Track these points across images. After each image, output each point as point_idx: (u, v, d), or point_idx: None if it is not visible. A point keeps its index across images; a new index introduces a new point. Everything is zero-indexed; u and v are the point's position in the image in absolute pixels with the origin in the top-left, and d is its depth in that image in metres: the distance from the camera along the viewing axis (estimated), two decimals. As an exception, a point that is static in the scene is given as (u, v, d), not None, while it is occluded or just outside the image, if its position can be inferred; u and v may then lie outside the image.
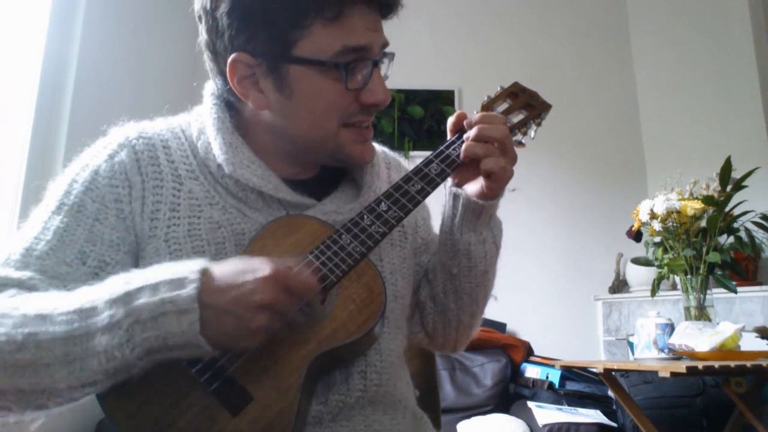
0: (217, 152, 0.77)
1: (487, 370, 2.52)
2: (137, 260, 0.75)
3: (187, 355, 0.61)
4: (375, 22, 0.75)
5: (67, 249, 0.71)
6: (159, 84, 2.83)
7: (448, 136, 0.82)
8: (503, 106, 0.86)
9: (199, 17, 0.77)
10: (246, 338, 0.61)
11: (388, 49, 0.78)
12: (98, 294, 0.62)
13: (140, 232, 0.74)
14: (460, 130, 0.81)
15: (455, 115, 0.82)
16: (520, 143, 0.85)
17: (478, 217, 0.81)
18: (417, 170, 0.79)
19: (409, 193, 0.77)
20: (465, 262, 0.83)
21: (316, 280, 0.66)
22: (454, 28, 3.45)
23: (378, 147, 0.92)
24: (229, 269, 0.63)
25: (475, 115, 0.81)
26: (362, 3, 0.73)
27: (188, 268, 0.62)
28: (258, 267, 0.62)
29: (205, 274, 0.62)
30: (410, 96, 3.29)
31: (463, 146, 0.78)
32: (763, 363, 1.49)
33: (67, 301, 0.63)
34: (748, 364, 1.49)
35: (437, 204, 0.88)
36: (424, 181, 0.77)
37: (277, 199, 0.78)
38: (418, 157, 3.19)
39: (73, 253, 0.71)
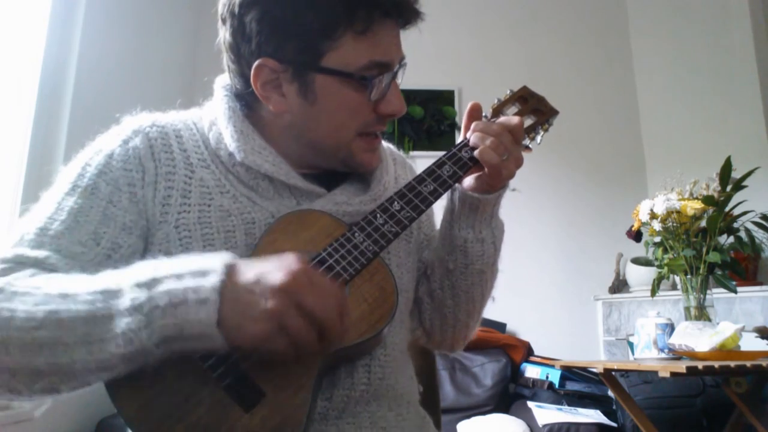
0: (229, 140, 0.78)
1: (487, 370, 2.52)
2: (147, 245, 0.75)
3: (201, 347, 0.60)
4: (397, 36, 0.78)
5: (82, 229, 0.72)
6: (159, 83, 2.83)
7: (462, 132, 0.83)
8: (512, 110, 0.86)
9: (224, 19, 0.78)
10: (256, 321, 0.59)
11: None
12: (125, 277, 0.62)
13: (151, 217, 0.75)
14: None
15: (470, 105, 0.83)
16: (527, 148, 0.85)
17: (476, 213, 0.82)
18: (430, 171, 0.79)
19: (422, 194, 0.78)
20: (461, 259, 0.84)
21: (340, 290, 0.63)
22: (454, 28, 3.45)
23: (384, 143, 0.94)
24: (257, 263, 0.62)
25: (484, 118, 0.83)
26: (389, 18, 0.75)
27: (216, 260, 0.62)
28: (288, 258, 0.62)
29: (231, 267, 0.62)
30: (410, 96, 3.29)
31: (469, 133, 0.80)
32: (763, 363, 1.49)
33: (92, 282, 0.63)
34: (748, 364, 1.49)
35: (440, 200, 0.88)
36: (437, 182, 0.78)
37: (288, 186, 0.79)
38: (418, 156, 3.19)
39: (88, 233, 0.72)
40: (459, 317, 0.89)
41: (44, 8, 2.18)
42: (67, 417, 2.10)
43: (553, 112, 0.87)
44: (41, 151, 2.12)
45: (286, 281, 0.59)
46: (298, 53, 0.74)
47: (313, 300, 0.59)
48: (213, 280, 0.60)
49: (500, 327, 2.91)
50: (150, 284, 0.61)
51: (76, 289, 0.62)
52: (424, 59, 3.23)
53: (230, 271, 0.61)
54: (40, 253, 0.69)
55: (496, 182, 0.79)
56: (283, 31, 0.73)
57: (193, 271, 0.61)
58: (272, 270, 0.60)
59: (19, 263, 0.68)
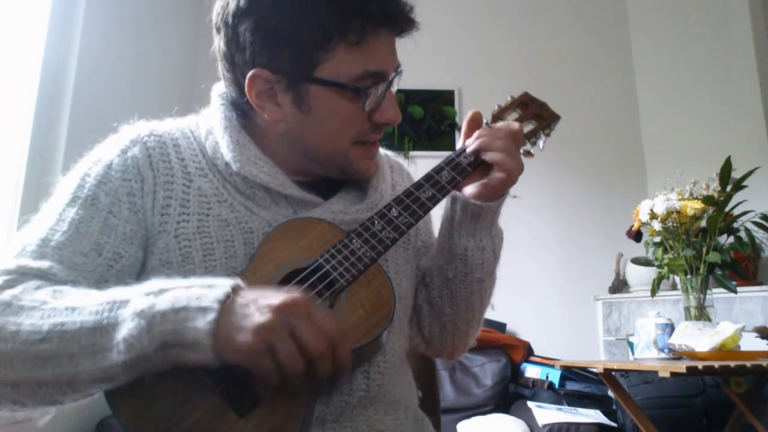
0: (225, 150, 0.78)
1: (487, 370, 2.52)
2: (147, 255, 0.75)
3: (193, 358, 0.60)
4: (392, 45, 0.78)
5: (83, 240, 0.72)
6: (159, 84, 2.83)
7: (462, 138, 0.83)
8: (513, 116, 0.86)
9: (218, 28, 0.78)
10: (245, 332, 0.58)
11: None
12: (135, 289, 0.63)
13: (150, 226, 0.75)
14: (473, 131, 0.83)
15: (471, 113, 0.83)
16: (528, 153, 0.85)
17: (477, 221, 0.81)
18: (428, 177, 0.79)
19: (420, 199, 0.78)
20: (461, 267, 0.83)
21: (336, 329, 0.61)
22: (454, 28, 3.45)
23: (381, 150, 0.93)
24: (264, 288, 0.64)
25: (485, 124, 0.83)
26: (383, 28, 0.75)
27: (226, 279, 0.63)
28: (294, 290, 0.63)
29: (238, 286, 0.63)
30: (410, 96, 3.29)
31: (472, 139, 0.80)
32: (763, 363, 1.49)
33: (100, 294, 0.64)
34: (748, 364, 1.49)
35: (438, 208, 0.88)
36: (435, 188, 0.78)
37: (285, 196, 0.79)
38: (418, 157, 3.20)
39: (89, 244, 0.72)
40: (458, 325, 0.88)
41: (44, 10, 2.18)
42: (68, 417, 2.10)
43: (555, 118, 0.87)
44: (41, 153, 2.12)
45: (285, 302, 0.59)
46: (292, 64, 0.74)
47: (307, 329, 0.59)
48: (217, 292, 0.61)
49: (500, 327, 2.91)
50: (157, 293, 0.62)
51: (83, 302, 0.63)
52: (424, 59, 3.23)
53: (236, 288, 0.62)
54: (43, 264, 0.69)
55: (502, 188, 0.79)
56: (277, 41, 0.73)
57: (201, 284, 0.62)
58: (275, 293, 0.61)
59: (22, 274, 0.68)
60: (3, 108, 2.05)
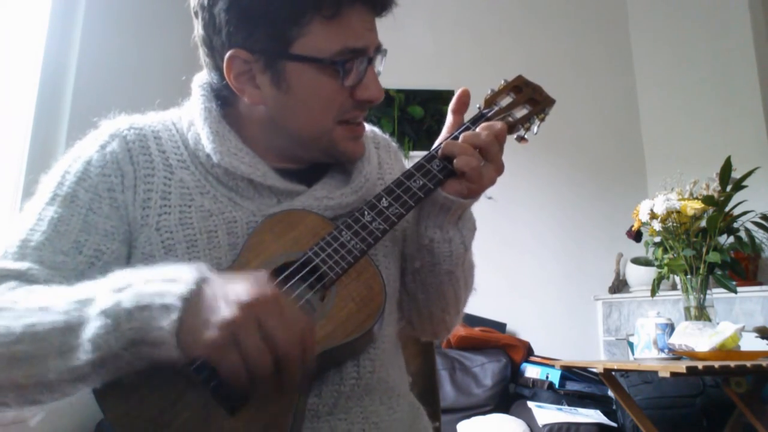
0: (205, 142, 0.77)
1: (487, 370, 2.52)
2: (131, 250, 0.75)
3: (161, 356, 0.59)
4: (371, 22, 0.77)
5: (63, 239, 0.71)
6: (159, 84, 2.82)
7: (449, 114, 0.82)
8: (506, 100, 0.84)
9: (195, 13, 0.77)
10: (210, 327, 0.56)
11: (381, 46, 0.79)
12: (101, 285, 0.62)
13: (133, 221, 0.75)
14: (462, 123, 0.81)
15: (460, 91, 0.81)
16: (523, 138, 0.83)
17: (446, 214, 0.79)
18: (419, 166, 0.77)
19: (411, 189, 0.76)
20: (428, 258, 0.81)
21: (306, 326, 0.59)
22: (454, 28, 3.45)
23: (368, 127, 0.91)
24: (232, 277, 0.61)
25: (477, 109, 0.82)
26: (360, 2, 0.73)
27: (191, 269, 0.61)
28: (263, 279, 0.60)
29: (203, 279, 0.60)
30: (410, 96, 3.28)
31: (462, 137, 0.77)
32: (763, 363, 1.49)
33: (70, 292, 0.63)
34: (748, 364, 1.49)
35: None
36: (426, 177, 0.76)
37: (267, 186, 0.78)
38: (418, 157, 3.19)
39: (69, 242, 0.71)
40: (433, 311, 0.87)
41: (44, 8, 2.18)
42: (67, 417, 2.10)
43: (549, 101, 0.85)
44: (41, 152, 2.12)
45: (253, 296, 0.57)
46: (268, 41, 0.73)
47: (275, 324, 0.56)
48: (181, 288, 0.58)
49: (500, 327, 2.91)
50: (122, 288, 0.60)
51: (54, 301, 0.62)
52: (424, 59, 3.24)
53: (201, 281, 0.60)
54: (22, 265, 0.68)
55: (476, 188, 0.77)
56: (251, 19, 0.72)
57: (164, 278, 0.60)
58: (244, 284, 0.58)
59: (1, 277, 0.67)
60: (3, 107, 2.05)
